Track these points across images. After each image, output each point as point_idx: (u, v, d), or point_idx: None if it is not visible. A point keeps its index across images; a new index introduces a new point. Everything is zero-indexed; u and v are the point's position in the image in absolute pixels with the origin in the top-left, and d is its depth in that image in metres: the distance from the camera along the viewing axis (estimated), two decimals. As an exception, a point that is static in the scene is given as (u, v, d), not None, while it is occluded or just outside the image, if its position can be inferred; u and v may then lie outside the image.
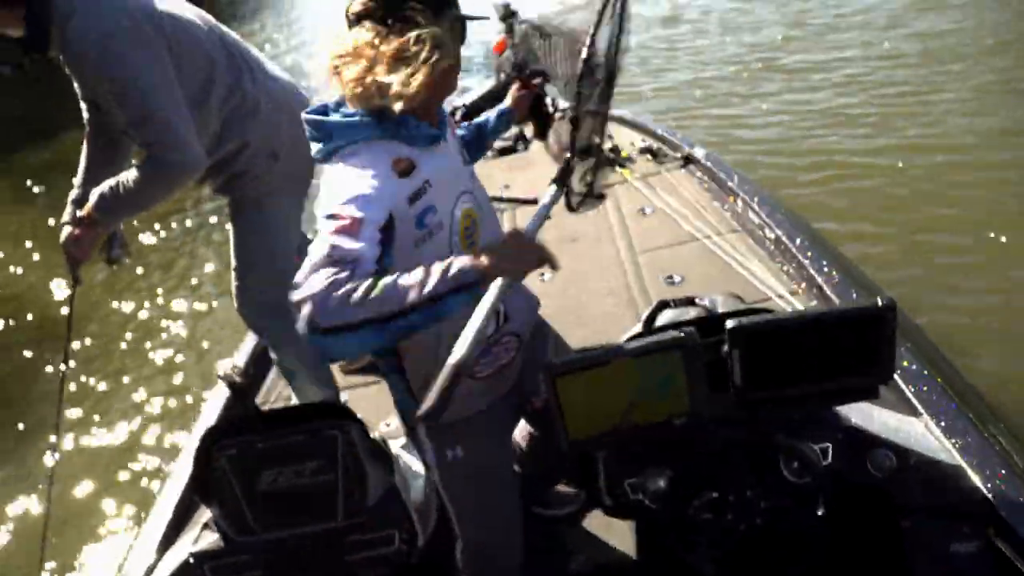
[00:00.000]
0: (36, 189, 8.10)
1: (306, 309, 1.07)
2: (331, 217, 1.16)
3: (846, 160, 4.73)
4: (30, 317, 5.32)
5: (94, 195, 1.89)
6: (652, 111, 5.73)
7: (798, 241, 2.56)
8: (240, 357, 2.74)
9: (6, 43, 1.85)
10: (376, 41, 1.21)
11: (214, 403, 2.54)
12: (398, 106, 1.22)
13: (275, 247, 2.16)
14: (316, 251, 1.13)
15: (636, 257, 2.89)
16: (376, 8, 1.23)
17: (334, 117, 1.29)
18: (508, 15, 4.77)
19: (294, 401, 2.43)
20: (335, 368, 2.49)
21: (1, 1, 1.74)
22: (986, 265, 3.64)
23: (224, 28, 2.05)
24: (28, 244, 6.47)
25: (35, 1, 1.72)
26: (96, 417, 4.17)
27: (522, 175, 3.88)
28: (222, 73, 1.93)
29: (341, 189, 1.20)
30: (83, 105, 2.03)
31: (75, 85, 1.93)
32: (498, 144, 4.18)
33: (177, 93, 1.80)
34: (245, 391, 2.31)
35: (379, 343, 1.12)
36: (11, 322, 5.34)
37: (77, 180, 2.10)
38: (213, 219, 6.18)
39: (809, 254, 2.48)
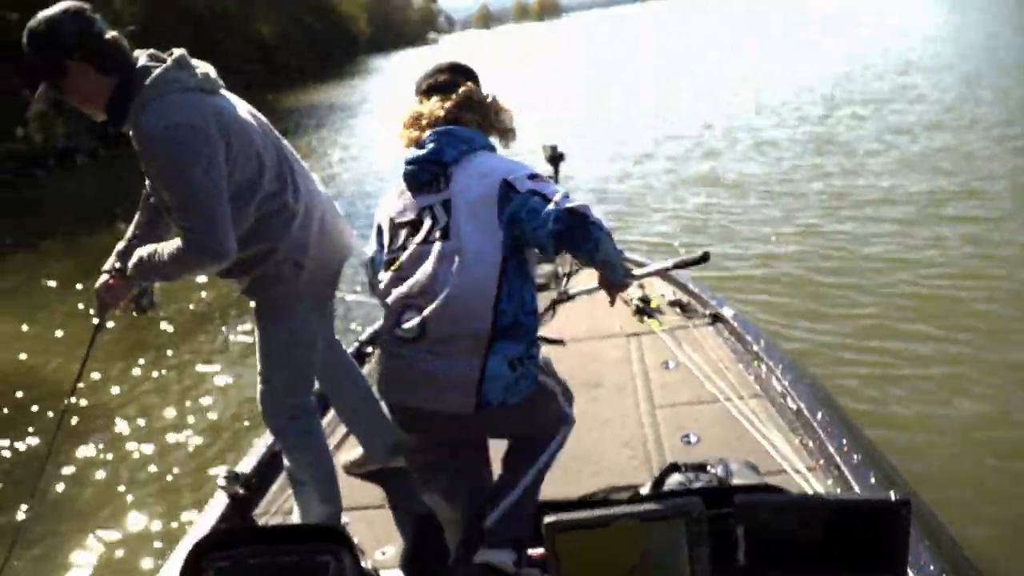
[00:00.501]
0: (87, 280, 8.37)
1: (587, 211, 1.69)
2: (537, 175, 1.79)
3: (880, 340, 4.67)
4: (38, 400, 5.41)
5: (135, 255, 2.05)
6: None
7: (819, 415, 2.53)
8: (244, 465, 2.72)
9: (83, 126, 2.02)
10: (482, 99, 1.90)
11: (211, 511, 2.50)
12: (495, 135, 1.93)
13: (299, 353, 2.23)
14: (555, 189, 1.74)
15: (655, 411, 2.87)
16: (457, 81, 1.90)
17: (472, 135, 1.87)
18: (555, 157, 4.95)
19: (295, 514, 2.40)
20: (341, 479, 2.47)
21: (104, 68, 1.91)
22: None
23: (278, 135, 2.21)
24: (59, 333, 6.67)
25: (127, 78, 1.91)
26: (81, 505, 4.16)
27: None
28: (269, 179, 2.06)
29: (519, 164, 1.83)
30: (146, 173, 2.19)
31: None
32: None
33: (223, 189, 1.93)
34: (246, 503, 2.28)
35: (613, 254, 1.76)
36: (17, 398, 5.41)
37: (127, 234, 2.26)
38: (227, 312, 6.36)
39: (829, 430, 2.44)
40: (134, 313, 2.17)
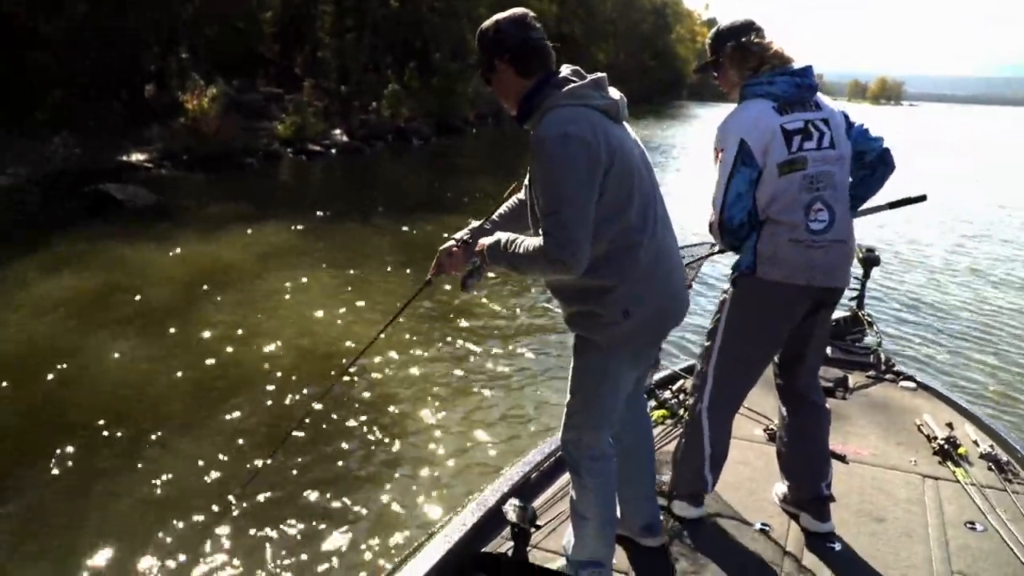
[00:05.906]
0: (404, 257, 9.18)
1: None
2: None
3: None
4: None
5: (494, 237, 2.16)
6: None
7: None
8: (531, 494, 2.80)
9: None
10: None
11: (479, 521, 2.58)
12: None
13: (606, 397, 2.22)
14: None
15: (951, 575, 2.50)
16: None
17: None
18: (869, 260, 4.44)
19: (570, 543, 2.41)
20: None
21: (524, 72, 2.09)
22: None
23: (655, 176, 2.21)
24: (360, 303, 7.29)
25: (542, 85, 2.07)
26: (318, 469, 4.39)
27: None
28: (631, 215, 2.07)
29: None
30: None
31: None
32: None
33: (591, 207, 1.97)
34: (526, 537, 2.30)
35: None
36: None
37: (489, 216, 2.39)
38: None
39: None
40: (461, 288, 2.27)
